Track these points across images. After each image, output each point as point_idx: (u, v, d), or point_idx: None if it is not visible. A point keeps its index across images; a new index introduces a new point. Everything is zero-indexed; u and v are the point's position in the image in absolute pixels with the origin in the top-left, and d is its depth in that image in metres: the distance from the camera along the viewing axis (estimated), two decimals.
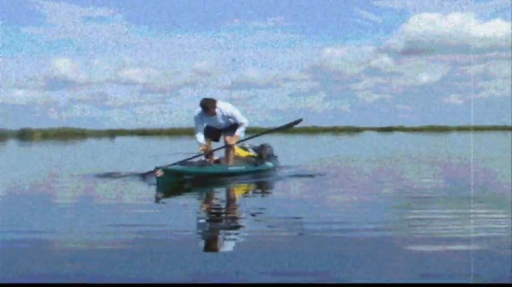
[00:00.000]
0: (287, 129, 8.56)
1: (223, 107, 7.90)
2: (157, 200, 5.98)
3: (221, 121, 7.98)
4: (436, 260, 3.03)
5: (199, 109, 7.89)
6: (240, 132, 8.00)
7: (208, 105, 7.80)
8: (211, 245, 3.64)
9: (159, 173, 6.80)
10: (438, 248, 3.34)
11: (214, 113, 7.86)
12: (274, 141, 8.98)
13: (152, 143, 29.55)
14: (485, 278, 2.72)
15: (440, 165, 10.91)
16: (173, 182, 6.91)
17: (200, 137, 7.95)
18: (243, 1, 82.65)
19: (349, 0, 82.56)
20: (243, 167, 8.08)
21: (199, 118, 7.96)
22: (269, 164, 8.66)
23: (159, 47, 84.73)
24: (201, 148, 7.94)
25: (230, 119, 7.94)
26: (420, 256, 3.17)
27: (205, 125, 8.03)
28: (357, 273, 2.83)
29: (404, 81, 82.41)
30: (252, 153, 8.87)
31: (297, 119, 8.34)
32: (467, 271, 2.84)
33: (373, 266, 2.95)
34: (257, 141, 9.06)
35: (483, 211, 4.85)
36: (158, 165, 7.04)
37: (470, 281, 2.69)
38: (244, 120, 7.99)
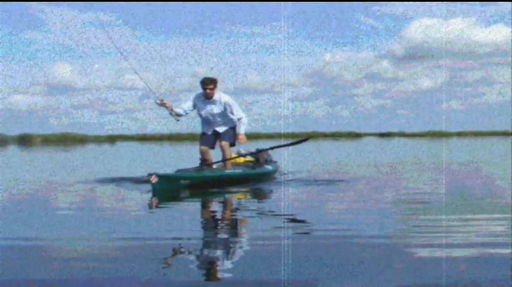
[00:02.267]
0: (293, 146, 8.47)
1: (222, 95, 7.76)
2: (151, 207, 5.84)
3: (217, 110, 7.73)
4: (437, 267, 2.97)
5: (199, 93, 7.79)
6: (243, 131, 7.80)
7: (207, 82, 7.64)
8: (207, 251, 3.57)
9: (154, 179, 6.65)
10: (439, 255, 3.28)
11: (212, 96, 7.69)
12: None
13: (153, 148, 29.51)
14: (486, 285, 2.67)
15: (440, 171, 10.83)
16: (169, 188, 6.76)
17: (178, 108, 7.77)
18: (243, 6, 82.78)
19: (349, 6, 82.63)
20: (241, 171, 7.97)
21: (194, 100, 7.82)
22: (268, 167, 8.57)
23: (159, 52, 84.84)
24: (161, 100, 7.68)
25: (227, 110, 7.69)
26: (420, 263, 3.11)
27: (199, 111, 7.81)
28: (356, 280, 2.77)
29: (405, 87, 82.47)
30: (249, 158, 8.79)
31: (304, 138, 8.52)
32: (467, 278, 2.79)
33: (373, 272, 2.90)
34: (253, 147, 8.99)
35: (484, 217, 4.79)
36: (151, 171, 6.90)
37: None
38: (243, 115, 7.80)
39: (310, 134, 59.81)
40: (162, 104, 7.74)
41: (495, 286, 2.68)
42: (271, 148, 8.50)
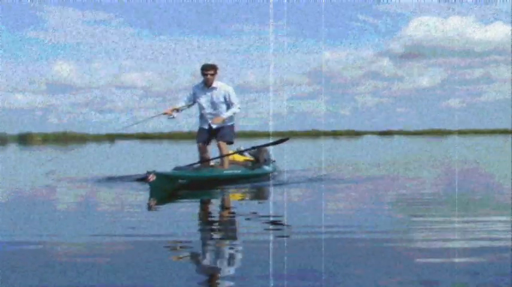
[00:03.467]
0: (274, 145, 8.40)
1: (222, 84, 7.66)
2: (149, 207, 5.76)
3: (216, 97, 7.60)
4: (436, 267, 2.95)
5: (198, 82, 7.74)
6: (227, 115, 7.61)
7: (208, 68, 7.56)
8: (205, 252, 3.54)
9: (152, 177, 6.57)
10: (438, 255, 3.26)
11: (212, 83, 7.59)
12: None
13: (152, 146, 29.48)
14: (487, 284, 2.66)
15: (441, 169, 10.81)
16: (167, 187, 6.70)
17: (181, 102, 7.77)
18: (243, 5, 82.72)
19: (349, 4, 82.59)
20: (240, 171, 7.93)
21: (194, 89, 7.74)
22: (267, 168, 8.53)
23: (159, 51, 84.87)
24: (166, 110, 7.68)
25: (226, 99, 7.59)
26: (419, 263, 3.10)
27: (198, 100, 7.69)
28: (356, 279, 2.76)
29: (404, 85, 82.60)
30: (248, 157, 8.76)
31: (284, 137, 8.34)
32: (467, 279, 2.77)
33: (373, 272, 2.88)
34: (235, 145, 8.94)
35: (484, 216, 4.77)
36: (150, 169, 6.82)
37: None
38: (238, 105, 7.67)
39: (310, 133, 59.86)
40: (174, 111, 7.72)
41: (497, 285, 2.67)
42: (253, 148, 8.45)
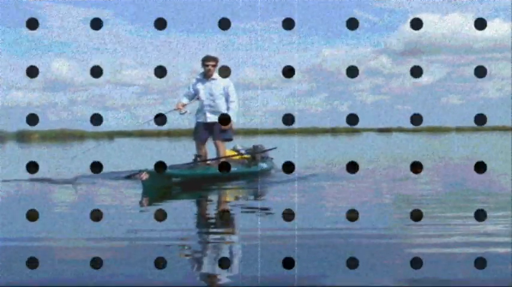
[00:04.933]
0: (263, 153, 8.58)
1: (222, 78, 7.53)
2: (142, 207, 5.67)
3: (216, 89, 7.53)
4: (436, 264, 2.94)
5: (198, 76, 7.68)
6: (233, 120, 7.57)
7: (209, 59, 7.51)
8: (200, 251, 3.52)
9: (144, 176, 6.46)
10: (438, 252, 3.28)
11: (212, 75, 7.54)
12: (269, 143, 8.81)
13: (151, 144, 29.50)
14: (485, 282, 2.66)
15: (439, 167, 10.77)
16: (160, 185, 6.61)
17: (183, 98, 7.70)
18: (241, 2, 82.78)
19: (347, 1, 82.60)
20: (235, 169, 7.85)
21: (194, 83, 7.67)
22: (263, 165, 8.45)
23: (158, 48, 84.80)
24: (177, 106, 7.60)
25: (225, 91, 7.51)
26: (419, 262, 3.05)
27: (199, 93, 7.61)
28: (355, 276, 2.75)
29: (403, 82, 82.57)
30: (245, 155, 8.68)
31: (272, 147, 8.56)
32: (467, 275, 2.78)
33: (371, 269, 2.89)
34: (250, 143, 8.88)
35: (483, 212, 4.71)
36: (143, 167, 6.73)
37: (470, 285, 2.64)
38: (235, 101, 7.59)
39: (309, 130, 59.89)
40: (184, 106, 7.64)
41: (494, 283, 2.66)
42: (247, 153, 8.47)
